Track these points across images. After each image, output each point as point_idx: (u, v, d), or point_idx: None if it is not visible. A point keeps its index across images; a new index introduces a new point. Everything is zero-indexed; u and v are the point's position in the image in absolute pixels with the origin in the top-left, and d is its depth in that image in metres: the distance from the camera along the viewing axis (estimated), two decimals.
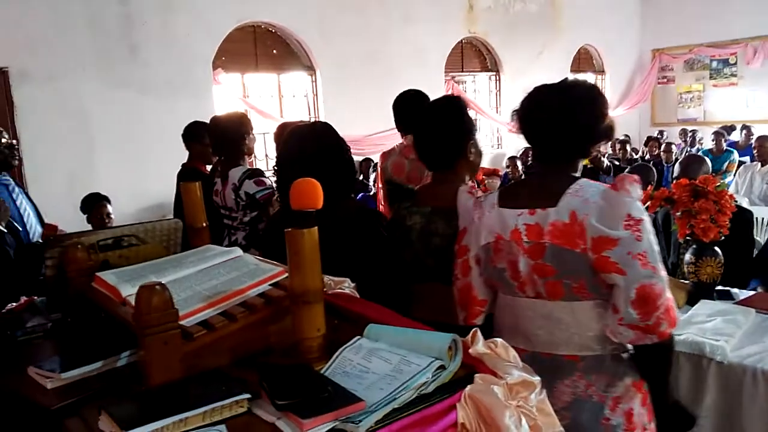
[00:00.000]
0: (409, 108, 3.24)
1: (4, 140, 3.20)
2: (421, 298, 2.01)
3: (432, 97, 2.42)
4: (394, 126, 3.43)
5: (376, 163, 5.42)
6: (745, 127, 8.84)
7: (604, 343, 1.59)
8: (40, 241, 3.05)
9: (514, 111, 1.73)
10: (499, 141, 10.17)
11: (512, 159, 7.68)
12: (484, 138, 9.59)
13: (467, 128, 2.06)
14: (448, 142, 2.03)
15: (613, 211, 1.50)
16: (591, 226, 1.50)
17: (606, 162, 6.26)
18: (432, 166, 2.11)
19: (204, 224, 1.69)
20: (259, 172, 3.32)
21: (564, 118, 1.60)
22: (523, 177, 7.42)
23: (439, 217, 1.99)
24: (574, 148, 1.66)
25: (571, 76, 1.82)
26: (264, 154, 7.69)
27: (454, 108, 2.08)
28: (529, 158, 8.11)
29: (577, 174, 1.68)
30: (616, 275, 1.49)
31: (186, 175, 3.93)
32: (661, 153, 7.88)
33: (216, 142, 3.41)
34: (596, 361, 1.59)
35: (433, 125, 2.05)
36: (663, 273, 1.50)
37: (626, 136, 9.61)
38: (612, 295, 1.52)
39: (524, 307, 1.65)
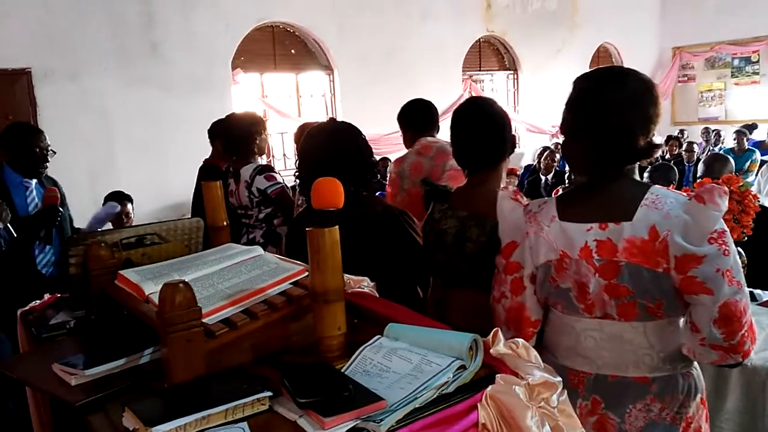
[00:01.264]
0: (422, 110, 3.31)
1: (42, 143, 3.04)
2: (455, 303, 1.98)
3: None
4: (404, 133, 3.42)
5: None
6: None
7: (675, 363, 1.49)
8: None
9: (572, 107, 1.52)
10: (517, 140, 10.09)
11: (546, 149, 7.51)
12: None
13: (509, 128, 2.00)
14: (493, 141, 1.95)
15: (700, 227, 1.37)
16: (675, 244, 1.36)
17: None
18: (472, 168, 2.01)
19: (225, 223, 1.70)
20: (269, 168, 3.33)
21: (629, 110, 1.43)
22: (552, 172, 7.30)
23: (474, 223, 1.91)
24: (637, 146, 1.46)
25: None
26: (282, 154, 7.73)
27: (495, 107, 2.01)
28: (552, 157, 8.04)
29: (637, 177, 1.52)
30: (703, 296, 1.37)
31: (206, 171, 3.96)
32: (683, 152, 7.81)
33: (228, 141, 3.43)
34: (669, 382, 1.49)
35: (477, 124, 1.97)
36: (746, 289, 1.40)
37: None
38: (691, 314, 1.42)
39: (589, 328, 1.52)
